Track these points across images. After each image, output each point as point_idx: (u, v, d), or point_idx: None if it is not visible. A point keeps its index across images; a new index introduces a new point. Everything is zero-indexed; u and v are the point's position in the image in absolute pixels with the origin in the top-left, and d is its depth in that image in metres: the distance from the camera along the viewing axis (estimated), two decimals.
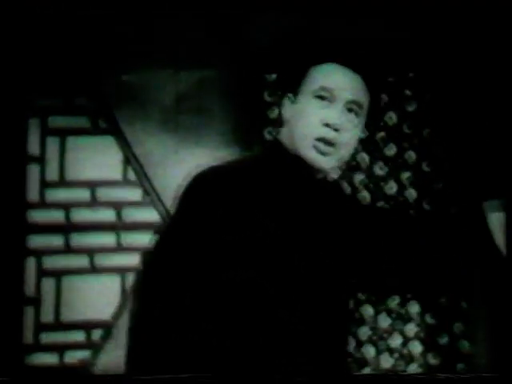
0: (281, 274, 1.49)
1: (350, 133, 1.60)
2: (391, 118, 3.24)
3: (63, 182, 3.04)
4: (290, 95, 1.59)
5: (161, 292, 1.49)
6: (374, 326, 3.19)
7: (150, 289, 1.50)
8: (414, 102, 3.23)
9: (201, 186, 1.56)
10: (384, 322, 3.20)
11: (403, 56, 3.12)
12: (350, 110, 1.59)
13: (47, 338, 3.01)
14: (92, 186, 3.04)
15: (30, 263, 3.01)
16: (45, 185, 3.04)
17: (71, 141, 3.04)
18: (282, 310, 1.49)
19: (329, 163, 1.60)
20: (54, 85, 2.99)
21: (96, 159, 3.02)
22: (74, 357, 3.01)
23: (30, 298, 3.02)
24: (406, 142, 3.24)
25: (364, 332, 3.19)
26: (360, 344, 3.18)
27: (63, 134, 3.05)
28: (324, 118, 1.58)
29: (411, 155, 3.24)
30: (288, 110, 1.60)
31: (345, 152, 1.61)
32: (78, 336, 2.98)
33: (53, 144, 3.03)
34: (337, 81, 1.58)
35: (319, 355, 1.52)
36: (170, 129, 3.02)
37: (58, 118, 3.02)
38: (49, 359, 2.98)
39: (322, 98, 1.58)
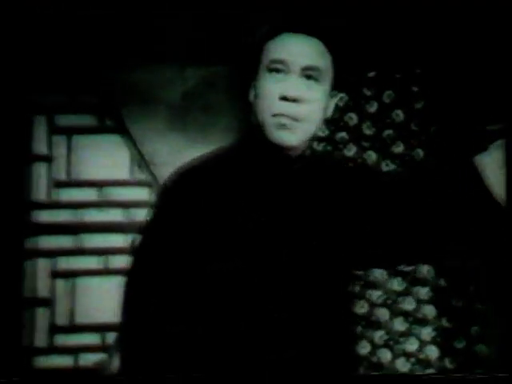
0: (268, 263, 1.44)
1: (313, 102, 1.46)
2: (398, 115, 3.23)
3: (71, 182, 3.04)
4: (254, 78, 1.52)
5: (149, 290, 1.44)
6: (390, 329, 3.13)
7: (138, 287, 1.45)
8: (421, 99, 3.22)
9: (181, 180, 1.51)
10: (400, 325, 3.14)
11: (410, 52, 3.12)
12: (308, 77, 1.46)
13: (61, 340, 2.97)
14: (100, 185, 3.03)
15: (42, 264, 2.99)
16: (53, 184, 3.04)
17: (78, 139, 3.04)
18: (272, 300, 1.43)
19: (293, 138, 1.47)
20: (60, 83, 3.00)
21: (103, 158, 3.02)
22: (88, 360, 2.96)
23: (43, 299, 2.99)
24: (413, 140, 3.22)
25: (380, 336, 3.12)
26: (376, 348, 3.12)
27: (70, 132, 3.05)
28: (280, 91, 1.45)
29: (419, 153, 3.22)
30: (252, 92, 1.51)
31: (310, 123, 1.48)
32: (93, 338, 2.94)
33: (60, 143, 3.04)
34: (288, 49, 1.47)
35: (315, 350, 1.45)
36: (176, 127, 3.01)
37: (64, 117, 3.03)
38: (63, 362, 2.93)
39: (276, 71, 1.47)
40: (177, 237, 1.44)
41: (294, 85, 1.45)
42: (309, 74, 1.46)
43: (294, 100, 1.44)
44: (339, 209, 1.53)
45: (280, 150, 1.48)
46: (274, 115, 1.45)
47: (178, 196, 1.47)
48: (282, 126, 1.45)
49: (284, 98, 1.44)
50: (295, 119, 1.45)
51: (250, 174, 1.50)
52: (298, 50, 1.47)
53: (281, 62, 1.46)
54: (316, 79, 1.47)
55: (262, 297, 1.42)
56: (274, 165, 1.50)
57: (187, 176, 1.50)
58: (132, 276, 1.47)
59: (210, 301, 1.41)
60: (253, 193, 1.47)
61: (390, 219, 1.55)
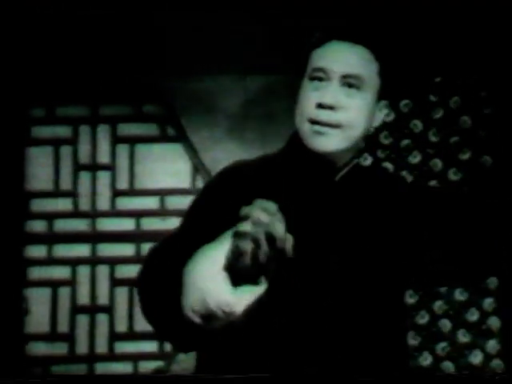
0: (309, 270, 1.41)
1: (352, 109, 1.42)
2: (465, 121, 3.14)
3: (133, 191, 3.08)
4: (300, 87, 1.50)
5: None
6: (453, 341, 3.06)
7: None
8: (490, 104, 3.12)
9: (223, 178, 1.49)
10: (463, 337, 3.07)
11: (478, 57, 3.03)
12: (349, 86, 1.42)
13: (121, 347, 3.02)
14: (161, 194, 3.06)
15: (102, 272, 3.04)
16: (115, 193, 3.09)
17: (140, 148, 3.08)
18: (313, 311, 1.39)
19: (329, 145, 1.42)
20: (122, 93, 3.04)
21: (165, 167, 3.05)
22: (147, 367, 3.00)
23: (103, 306, 3.05)
24: (480, 147, 3.13)
25: (442, 348, 3.06)
26: (438, 360, 3.06)
27: (132, 141, 3.09)
28: (317, 98, 1.41)
29: (487, 159, 3.13)
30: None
31: (350, 131, 1.43)
32: (151, 346, 2.97)
33: (122, 152, 3.08)
34: (329, 58, 1.43)
35: (365, 362, 1.41)
36: (236, 136, 3.01)
37: (127, 126, 3.07)
38: (122, 368, 2.99)
39: (318, 79, 1.42)
40: (210, 235, 1.43)
41: (331, 92, 1.41)
42: (349, 81, 1.42)
43: (331, 107, 1.40)
44: (390, 222, 1.48)
45: (321, 157, 1.45)
46: (310, 122, 1.41)
47: (218, 194, 1.46)
48: (317, 133, 1.41)
49: (320, 106, 1.40)
50: (331, 126, 1.41)
51: (292, 180, 1.46)
52: (338, 58, 1.43)
53: (321, 70, 1.42)
54: (357, 87, 1.42)
55: (305, 308, 1.39)
56: (316, 172, 1.46)
57: (231, 175, 1.48)
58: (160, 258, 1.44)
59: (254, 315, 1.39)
60: (294, 198, 1.43)
61: (453, 234, 1.50)
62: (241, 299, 1.08)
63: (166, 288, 1.20)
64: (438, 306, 3.07)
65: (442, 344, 3.06)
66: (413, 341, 3.03)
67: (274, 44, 2.92)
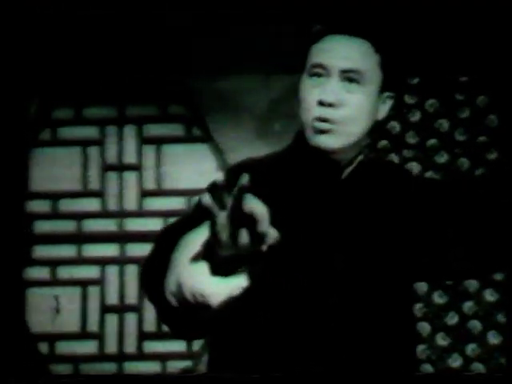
0: (317, 270, 1.37)
1: (354, 105, 1.39)
2: (493, 120, 3.12)
3: (159, 191, 3.11)
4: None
5: None
6: (483, 342, 3.03)
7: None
8: None
9: (233, 174, 1.48)
10: (494, 339, 3.03)
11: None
12: (350, 80, 1.39)
13: (149, 346, 3.04)
14: (188, 194, 3.07)
15: (130, 271, 3.07)
16: (142, 193, 3.12)
17: (166, 149, 3.10)
18: (322, 311, 1.37)
19: (332, 142, 1.40)
20: (148, 93, 3.08)
21: (191, 167, 3.06)
22: (175, 367, 3.01)
23: (132, 306, 3.07)
24: (508, 146, 3.10)
25: (472, 349, 3.03)
26: (469, 362, 3.02)
27: (159, 142, 3.12)
28: (318, 96, 1.39)
29: None
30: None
31: (353, 127, 1.40)
32: (180, 346, 2.98)
33: (149, 152, 3.11)
34: (327, 53, 1.39)
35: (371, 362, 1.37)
36: (262, 135, 3.02)
37: (153, 127, 3.10)
38: (151, 368, 3.00)
39: (318, 75, 1.39)
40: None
41: (331, 89, 1.38)
42: (349, 76, 1.39)
43: (331, 105, 1.38)
44: (403, 219, 1.44)
45: (325, 155, 1.42)
46: (313, 119, 1.39)
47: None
48: (320, 130, 1.38)
49: (321, 103, 1.38)
50: (332, 122, 1.38)
51: (299, 179, 1.44)
52: (336, 53, 1.39)
53: (320, 65, 1.39)
54: (358, 82, 1.39)
55: (313, 307, 1.37)
56: (322, 171, 1.44)
57: (241, 171, 1.47)
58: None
59: (255, 312, 1.38)
60: (301, 196, 1.42)
61: (473, 231, 1.48)
62: (217, 291, 1.03)
63: (159, 273, 1.18)
64: (468, 306, 3.03)
65: (472, 345, 3.02)
66: (442, 342, 3.00)
67: (298, 43, 2.93)
